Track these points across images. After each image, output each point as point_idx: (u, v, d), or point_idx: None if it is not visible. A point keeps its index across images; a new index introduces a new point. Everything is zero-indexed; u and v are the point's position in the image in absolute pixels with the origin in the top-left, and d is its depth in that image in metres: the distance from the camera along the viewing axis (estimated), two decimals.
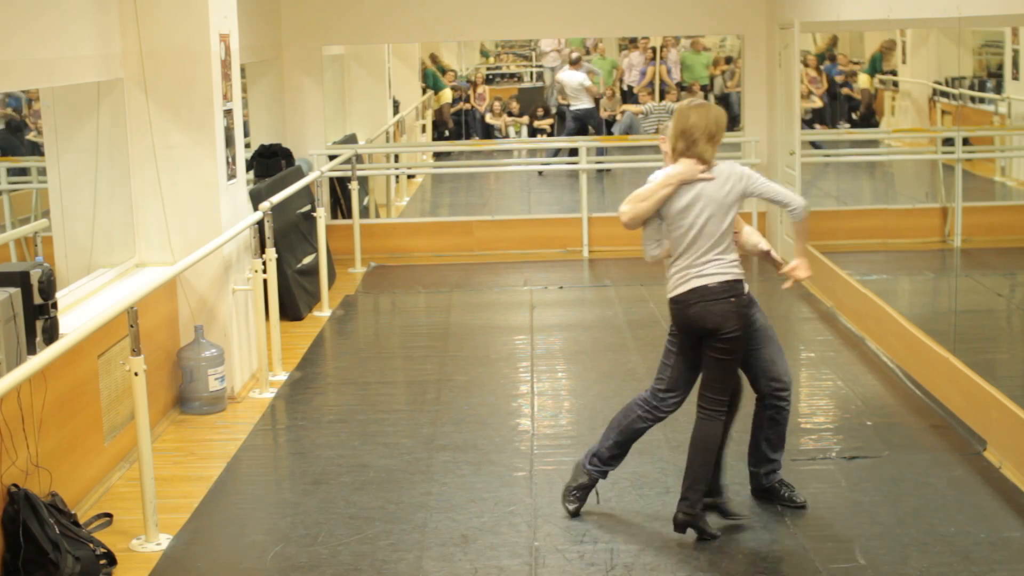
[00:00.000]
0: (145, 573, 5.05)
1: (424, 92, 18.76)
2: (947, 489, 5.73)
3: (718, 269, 5.29)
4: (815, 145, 13.79)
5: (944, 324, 7.85)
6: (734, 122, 17.01)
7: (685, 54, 19.58)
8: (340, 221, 11.86)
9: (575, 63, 17.55)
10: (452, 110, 19.37)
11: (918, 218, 11.48)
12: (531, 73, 24.71)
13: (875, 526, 5.31)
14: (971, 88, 11.34)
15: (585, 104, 16.90)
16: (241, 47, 7.98)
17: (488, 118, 19.35)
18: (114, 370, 6.16)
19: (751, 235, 5.69)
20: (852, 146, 14.03)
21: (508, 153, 16.09)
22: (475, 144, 15.95)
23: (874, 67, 14.66)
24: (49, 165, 7.08)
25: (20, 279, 5.24)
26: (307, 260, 9.78)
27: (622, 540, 5.25)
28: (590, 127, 16.76)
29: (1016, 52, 9.83)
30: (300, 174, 10.16)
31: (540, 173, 16.74)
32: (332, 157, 11.43)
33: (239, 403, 7.32)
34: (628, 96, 19.03)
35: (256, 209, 7.79)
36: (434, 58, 20.03)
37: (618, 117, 17.92)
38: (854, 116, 15.24)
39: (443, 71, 20.00)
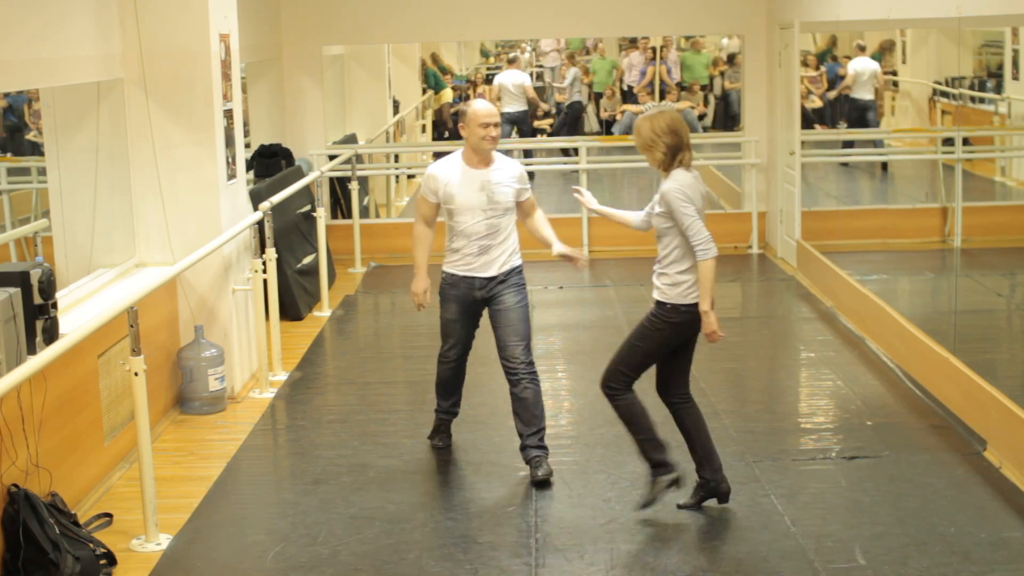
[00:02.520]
0: (145, 573, 5.05)
1: (424, 92, 18.76)
2: (947, 489, 5.73)
3: None
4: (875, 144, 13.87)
5: (944, 324, 7.85)
6: (734, 121, 17.05)
7: (685, 54, 19.58)
8: (340, 221, 11.86)
9: (512, 62, 17.56)
10: (452, 110, 19.36)
11: (918, 218, 11.48)
12: (531, 73, 24.72)
13: (875, 526, 5.31)
14: (971, 88, 11.34)
15: (518, 107, 16.88)
16: (241, 47, 7.98)
17: None
18: (114, 370, 6.16)
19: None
20: (852, 146, 14.05)
21: (507, 153, 16.05)
22: None
23: None
24: (49, 165, 7.08)
25: (20, 279, 5.24)
26: (307, 260, 9.77)
27: (622, 540, 5.25)
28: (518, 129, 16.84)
29: (1016, 52, 9.84)
30: (300, 174, 10.16)
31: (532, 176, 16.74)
32: (332, 157, 11.43)
33: (239, 403, 7.32)
34: (628, 96, 19.03)
35: (256, 209, 7.80)
36: (435, 58, 20.02)
37: (618, 117, 17.93)
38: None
39: (443, 71, 19.99)
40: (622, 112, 17.87)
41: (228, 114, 7.35)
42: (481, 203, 5.96)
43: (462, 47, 24.32)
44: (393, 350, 8.74)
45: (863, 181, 14.32)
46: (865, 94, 14.71)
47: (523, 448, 5.96)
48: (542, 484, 5.80)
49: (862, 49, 15.07)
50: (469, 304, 6.22)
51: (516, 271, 6.11)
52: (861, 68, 14.74)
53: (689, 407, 5.52)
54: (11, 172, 10.42)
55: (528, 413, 5.95)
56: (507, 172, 6.03)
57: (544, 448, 5.95)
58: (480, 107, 5.95)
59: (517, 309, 6.09)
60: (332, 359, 8.45)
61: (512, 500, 5.71)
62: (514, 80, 16.71)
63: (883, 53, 14.89)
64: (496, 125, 5.93)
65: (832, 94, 15.81)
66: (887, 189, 13.79)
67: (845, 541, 5.16)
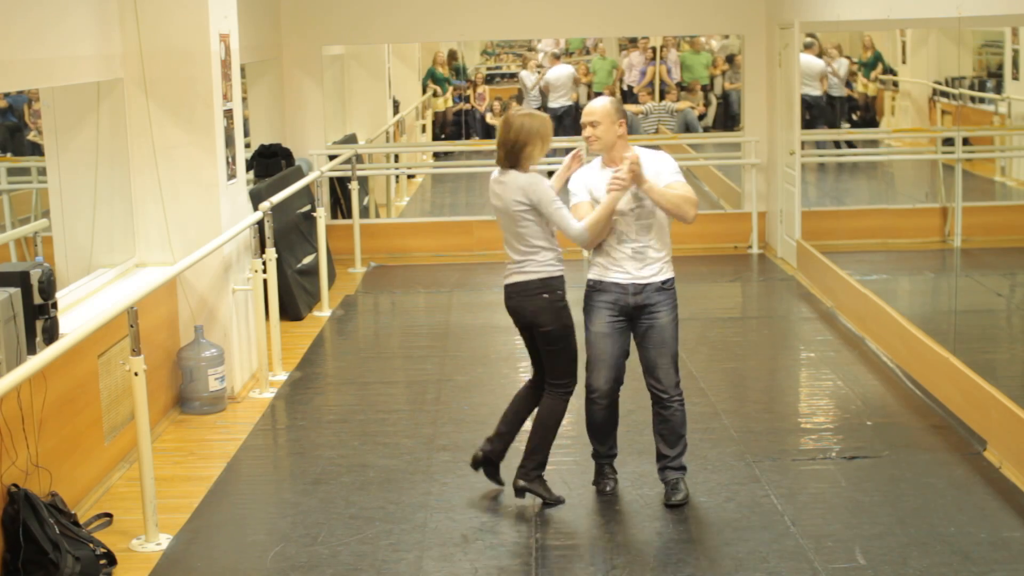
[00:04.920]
0: (145, 573, 5.05)
1: (424, 90, 18.73)
2: (947, 489, 5.73)
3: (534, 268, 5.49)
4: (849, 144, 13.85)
5: (944, 324, 7.86)
6: (734, 121, 17.04)
7: (685, 54, 19.57)
8: (340, 221, 11.86)
9: (559, 58, 17.63)
10: (454, 109, 19.33)
11: (918, 218, 11.48)
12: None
13: (875, 526, 5.31)
14: (971, 88, 11.34)
15: (566, 102, 17.04)
16: (241, 47, 7.98)
17: (488, 118, 19.33)
18: (114, 370, 6.16)
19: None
20: (852, 146, 14.06)
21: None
22: (475, 144, 15.94)
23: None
24: (49, 165, 7.08)
25: (20, 279, 5.24)
26: (307, 260, 9.78)
27: (622, 540, 5.25)
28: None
29: (1016, 52, 9.84)
30: (300, 174, 10.16)
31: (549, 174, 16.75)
32: (332, 157, 11.43)
33: (239, 403, 7.32)
34: (628, 96, 19.02)
35: (256, 209, 7.80)
36: (452, 56, 19.95)
37: None
38: (854, 116, 15.25)
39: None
40: None
41: (228, 114, 7.35)
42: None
43: (462, 47, 24.29)
44: (393, 350, 8.74)
45: (863, 181, 14.31)
46: (807, 90, 14.59)
47: (663, 470, 5.70)
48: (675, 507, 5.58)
49: (807, 47, 15.07)
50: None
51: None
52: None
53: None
54: (11, 172, 10.42)
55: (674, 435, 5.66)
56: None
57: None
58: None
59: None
60: (332, 359, 8.45)
61: (512, 500, 5.70)
62: (567, 72, 16.99)
63: (865, 51, 14.89)
64: (592, 124, 5.44)
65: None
66: (887, 189, 13.77)
67: (845, 541, 5.16)
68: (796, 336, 8.83)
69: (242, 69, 10.18)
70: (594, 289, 5.54)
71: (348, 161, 11.31)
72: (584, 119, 5.47)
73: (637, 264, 5.46)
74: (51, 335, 5.36)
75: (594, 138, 5.43)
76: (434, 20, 11.84)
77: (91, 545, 5.04)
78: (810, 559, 5.00)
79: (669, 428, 5.61)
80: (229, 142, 7.37)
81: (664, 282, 5.48)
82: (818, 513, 5.46)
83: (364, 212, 12.31)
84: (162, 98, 7.03)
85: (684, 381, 7.43)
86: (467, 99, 19.55)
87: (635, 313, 5.50)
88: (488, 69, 24.94)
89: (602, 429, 5.72)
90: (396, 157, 14.39)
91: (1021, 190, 11.01)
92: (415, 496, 5.77)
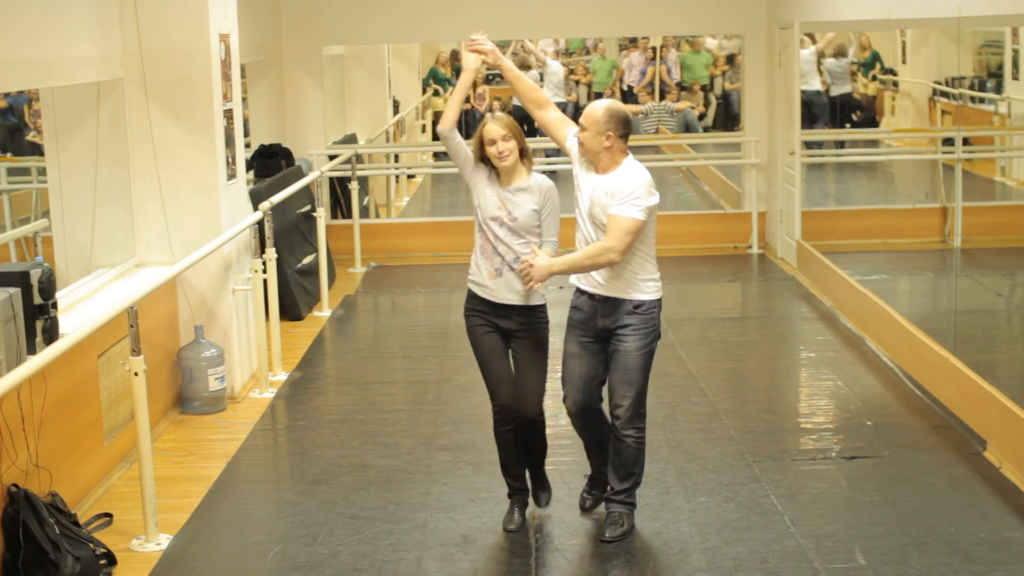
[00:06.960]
0: (145, 573, 5.05)
1: (425, 91, 18.74)
2: (947, 489, 5.73)
3: None
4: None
5: (944, 324, 7.86)
6: (734, 121, 17.04)
7: (685, 54, 19.57)
8: (340, 221, 11.86)
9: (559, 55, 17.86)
10: None
11: (918, 218, 11.48)
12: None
13: (875, 526, 5.32)
14: (971, 88, 11.34)
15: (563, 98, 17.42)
16: (241, 47, 7.98)
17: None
18: (114, 370, 6.16)
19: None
20: (853, 146, 14.05)
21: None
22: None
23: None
24: (49, 165, 7.08)
25: (20, 279, 5.24)
26: (307, 260, 9.77)
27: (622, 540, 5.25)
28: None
29: (1016, 52, 9.84)
30: (300, 174, 10.16)
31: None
32: (332, 157, 11.43)
33: (239, 403, 7.32)
34: (628, 96, 19.03)
35: (256, 209, 7.80)
36: (455, 56, 19.97)
37: None
38: (854, 116, 15.25)
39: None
40: None
41: (228, 114, 7.35)
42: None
43: (463, 46, 24.29)
44: (393, 350, 8.74)
45: (863, 181, 14.31)
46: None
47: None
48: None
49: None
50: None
51: None
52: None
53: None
54: (11, 172, 10.42)
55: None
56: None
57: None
58: None
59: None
60: (332, 359, 8.45)
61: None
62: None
63: (863, 51, 14.90)
64: (582, 127, 5.12)
65: None
66: (887, 189, 13.77)
67: (845, 541, 5.16)
68: (796, 336, 8.83)
69: (242, 69, 10.17)
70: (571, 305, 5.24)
71: (348, 161, 11.31)
72: (581, 118, 5.16)
73: (598, 279, 5.09)
74: (51, 335, 5.36)
75: (580, 140, 5.11)
76: (434, 20, 11.83)
77: (91, 545, 5.04)
78: (810, 559, 5.00)
79: (619, 461, 5.22)
80: (229, 142, 7.37)
81: (637, 305, 5.07)
82: (818, 513, 5.46)
83: (364, 212, 12.31)
84: (162, 98, 7.03)
85: (684, 381, 7.47)
86: (467, 99, 19.54)
87: (604, 335, 5.14)
88: (488, 69, 24.91)
89: (584, 441, 5.49)
90: (396, 157, 14.39)
91: (1021, 190, 11.00)
92: (415, 496, 5.77)
